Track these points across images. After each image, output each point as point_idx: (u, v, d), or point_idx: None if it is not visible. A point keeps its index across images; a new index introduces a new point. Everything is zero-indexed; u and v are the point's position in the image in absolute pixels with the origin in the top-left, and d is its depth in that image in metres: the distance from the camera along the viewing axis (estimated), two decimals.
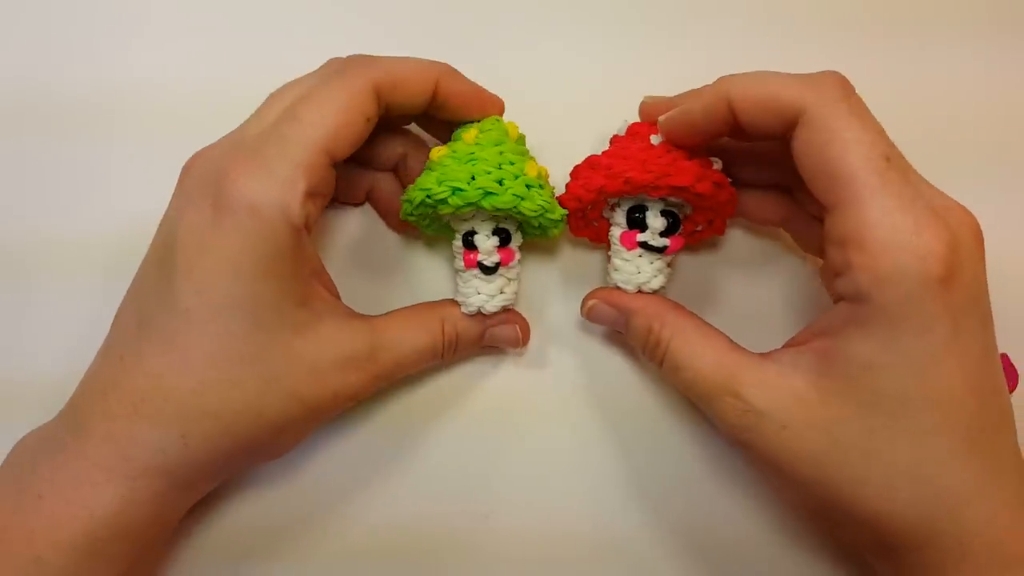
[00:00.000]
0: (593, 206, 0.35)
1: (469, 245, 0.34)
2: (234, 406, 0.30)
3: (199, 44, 0.42)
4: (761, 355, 0.31)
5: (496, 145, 0.33)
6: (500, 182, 0.32)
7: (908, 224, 0.26)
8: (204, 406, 0.30)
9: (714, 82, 0.31)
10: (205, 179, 0.30)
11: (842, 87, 0.29)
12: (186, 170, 0.32)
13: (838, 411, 0.28)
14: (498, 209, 0.33)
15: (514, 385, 0.39)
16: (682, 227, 0.35)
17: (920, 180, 0.29)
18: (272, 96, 0.32)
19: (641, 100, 0.34)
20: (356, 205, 0.40)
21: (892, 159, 0.28)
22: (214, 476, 0.32)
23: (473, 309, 0.35)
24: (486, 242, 0.34)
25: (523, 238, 0.36)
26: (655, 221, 0.34)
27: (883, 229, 0.26)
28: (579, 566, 0.38)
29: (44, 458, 0.30)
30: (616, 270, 0.35)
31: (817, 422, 0.28)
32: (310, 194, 0.30)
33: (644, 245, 0.34)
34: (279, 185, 0.29)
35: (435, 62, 0.33)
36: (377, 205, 0.39)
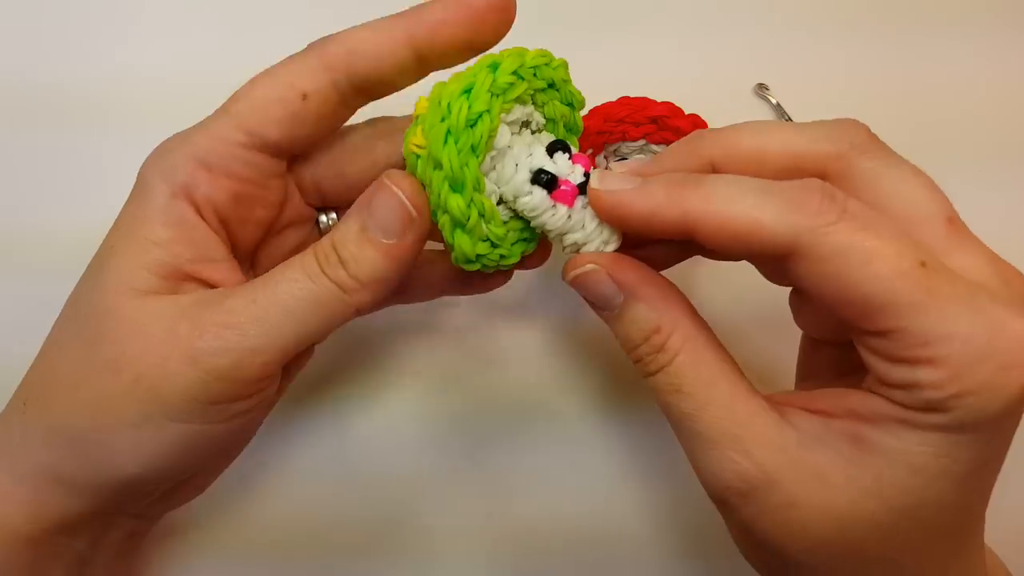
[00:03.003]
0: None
1: (549, 184, 0.27)
2: (58, 368, 0.27)
3: (193, 38, 0.42)
4: (776, 408, 0.26)
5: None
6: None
7: (980, 330, 0.22)
8: (38, 369, 0.27)
9: (667, 183, 0.25)
10: None
11: (847, 159, 0.25)
12: None
13: (864, 508, 0.24)
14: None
15: (516, 384, 0.39)
16: None
17: (970, 248, 0.25)
18: None
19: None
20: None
21: (927, 259, 0.23)
22: (66, 483, 0.27)
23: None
24: (562, 159, 0.28)
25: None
26: None
27: (953, 344, 0.22)
28: (580, 566, 0.38)
29: None
30: None
31: (833, 512, 0.24)
32: (204, 163, 0.27)
33: None
34: (171, 151, 0.28)
35: (407, 11, 0.27)
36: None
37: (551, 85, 0.28)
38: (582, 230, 0.27)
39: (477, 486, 0.39)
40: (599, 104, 0.38)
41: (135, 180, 0.28)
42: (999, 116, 0.41)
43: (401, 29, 0.27)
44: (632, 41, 0.42)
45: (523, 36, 0.43)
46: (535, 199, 0.27)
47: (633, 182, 0.26)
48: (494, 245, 0.28)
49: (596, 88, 0.40)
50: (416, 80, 0.29)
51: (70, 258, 0.39)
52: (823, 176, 0.25)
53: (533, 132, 0.29)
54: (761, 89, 0.43)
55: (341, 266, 0.26)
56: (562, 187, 0.27)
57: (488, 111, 0.26)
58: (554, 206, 0.27)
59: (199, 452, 0.27)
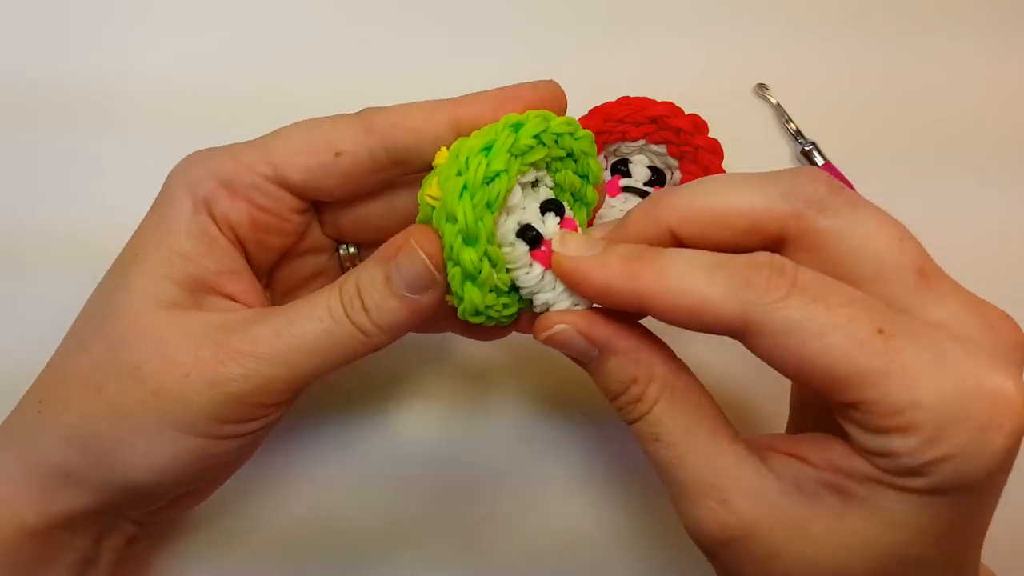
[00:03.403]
0: None
1: (533, 241, 0.27)
2: (78, 368, 0.27)
3: (194, 39, 0.42)
4: (758, 452, 0.26)
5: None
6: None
7: (951, 393, 0.21)
8: (55, 367, 0.28)
9: (623, 256, 0.25)
10: None
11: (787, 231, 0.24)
12: None
13: (844, 560, 0.24)
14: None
15: (515, 388, 0.39)
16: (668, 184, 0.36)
17: (947, 298, 0.24)
18: None
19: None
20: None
21: (885, 325, 0.22)
22: (75, 480, 0.27)
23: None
24: (552, 221, 0.28)
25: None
26: (639, 170, 0.35)
27: (924, 411, 0.21)
28: (578, 568, 0.38)
29: None
30: (600, 218, 0.33)
31: (815, 564, 0.24)
32: (225, 183, 0.28)
33: (628, 189, 0.35)
34: (196, 164, 0.29)
35: (459, 97, 0.28)
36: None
37: (569, 155, 0.28)
38: (552, 291, 0.27)
39: (474, 491, 0.39)
40: (599, 104, 0.38)
41: (161, 188, 0.29)
42: (999, 116, 0.41)
43: (447, 111, 0.28)
44: (633, 41, 0.42)
45: (524, 38, 0.43)
46: (516, 252, 0.27)
47: (595, 248, 0.26)
48: (499, 294, 0.28)
49: (596, 88, 0.40)
50: None
51: (70, 258, 0.40)
52: (783, 236, 0.25)
53: (534, 187, 0.28)
54: (761, 89, 0.43)
55: (364, 312, 0.27)
56: (543, 248, 0.27)
57: (506, 171, 0.25)
58: (531, 264, 0.27)
59: (206, 465, 0.28)
